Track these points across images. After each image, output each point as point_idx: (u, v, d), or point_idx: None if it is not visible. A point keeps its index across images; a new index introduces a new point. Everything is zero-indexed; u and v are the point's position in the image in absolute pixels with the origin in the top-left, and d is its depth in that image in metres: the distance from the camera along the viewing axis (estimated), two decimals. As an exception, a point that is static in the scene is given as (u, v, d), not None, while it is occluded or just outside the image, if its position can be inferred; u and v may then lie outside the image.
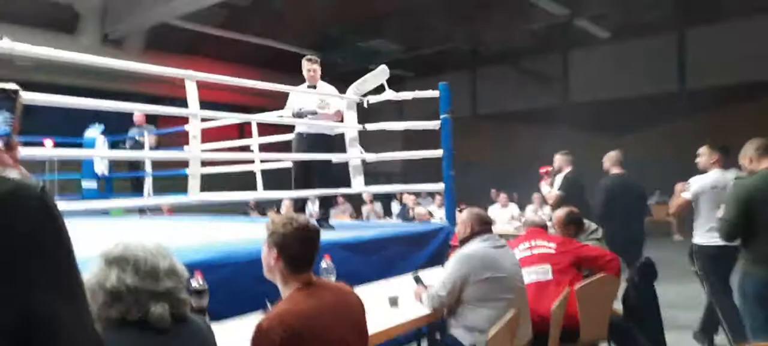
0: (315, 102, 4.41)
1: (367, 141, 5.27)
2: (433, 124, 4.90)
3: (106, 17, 13.25)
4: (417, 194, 9.66)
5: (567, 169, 5.48)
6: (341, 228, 4.50)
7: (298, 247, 1.77)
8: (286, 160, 5.40)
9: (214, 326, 1.64)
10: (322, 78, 4.56)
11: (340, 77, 9.07)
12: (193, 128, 3.71)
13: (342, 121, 4.77)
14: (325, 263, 2.54)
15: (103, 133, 6.84)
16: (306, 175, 4.39)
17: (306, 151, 4.38)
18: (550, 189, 5.50)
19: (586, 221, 3.72)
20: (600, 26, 12.45)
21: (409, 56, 14.95)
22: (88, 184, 6.81)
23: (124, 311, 1.26)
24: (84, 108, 3.33)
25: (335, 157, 4.65)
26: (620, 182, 4.91)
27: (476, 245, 2.68)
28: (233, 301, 2.42)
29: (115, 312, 1.26)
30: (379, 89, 5.17)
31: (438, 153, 4.83)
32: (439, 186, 4.90)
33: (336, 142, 4.63)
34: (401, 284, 3.15)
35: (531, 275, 2.98)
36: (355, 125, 5.09)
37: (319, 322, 1.67)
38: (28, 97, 3.25)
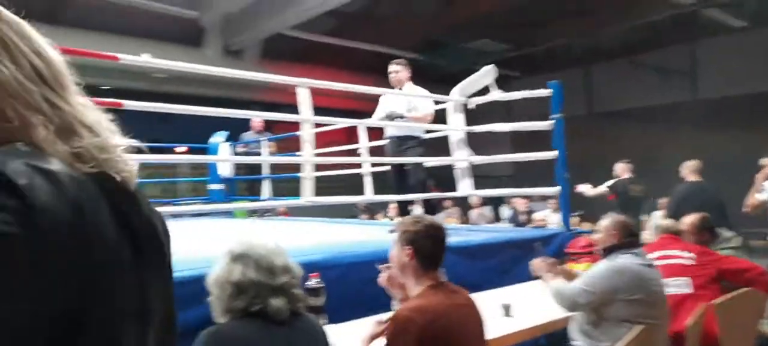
0: (403, 105, 4.45)
1: (474, 143, 5.16)
2: (545, 125, 4.68)
3: (227, 30, 14.30)
4: (529, 198, 9.31)
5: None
6: (450, 232, 4.45)
7: (430, 245, 1.81)
8: (391, 164, 5.47)
9: (326, 328, 1.68)
10: (426, 81, 4.58)
11: (445, 79, 9.02)
12: (306, 133, 3.85)
13: (432, 122, 4.68)
14: (437, 266, 2.51)
15: (227, 139, 7.36)
16: (399, 179, 4.46)
17: (394, 155, 4.42)
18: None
19: (721, 230, 3.35)
20: (733, 15, 11.21)
21: (517, 55, 14.51)
22: (214, 186, 7.37)
23: (247, 302, 1.41)
24: (210, 116, 3.59)
25: (441, 161, 4.61)
26: (695, 190, 4.65)
27: (627, 260, 2.44)
28: (343, 302, 2.47)
29: (241, 303, 1.41)
30: (485, 90, 5.04)
31: (551, 155, 4.60)
32: (553, 189, 4.67)
33: (431, 145, 4.58)
34: (514, 292, 3.02)
35: (667, 288, 2.72)
36: (461, 127, 5.01)
37: (449, 320, 1.69)
38: (164, 107, 3.58)
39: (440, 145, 5.21)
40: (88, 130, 0.63)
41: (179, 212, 5.25)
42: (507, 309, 2.57)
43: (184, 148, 8.60)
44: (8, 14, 0.64)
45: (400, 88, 4.53)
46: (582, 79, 15.32)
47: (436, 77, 14.16)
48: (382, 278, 2.00)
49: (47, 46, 0.67)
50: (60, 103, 0.62)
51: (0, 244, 0.48)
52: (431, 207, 4.47)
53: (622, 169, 6.40)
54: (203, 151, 7.41)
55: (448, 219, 9.55)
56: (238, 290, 1.42)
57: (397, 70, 4.52)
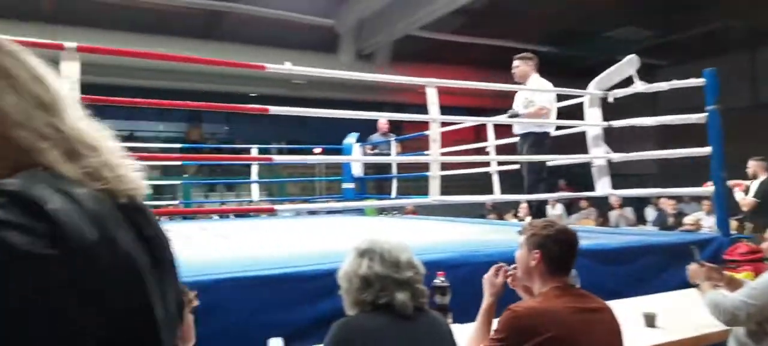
0: (521, 101, 4.29)
1: (614, 140, 4.82)
2: (697, 118, 4.22)
3: (360, 35, 14.89)
4: (678, 199, 8.47)
5: (763, 176, 5.25)
6: (585, 234, 4.20)
7: (559, 250, 1.77)
8: (519, 163, 5.31)
9: (452, 327, 1.70)
10: (562, 75, 4.36)
11: (582, 72, 8.52)
12: (434, 132, 3.89)
13: (546, 117, 4.41)
14: (568, 271, 2.39)
15: (358, 140, 7.68)
16: (522, 177, 4.32)
17: (518, 153, 4.31)
18: (745, 195, 5.42)
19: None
20: None
21: (663, 42, 13.24)
22: (347, 185, 7.74)
23: (374, 295, 1.48)
24: (343, 118, 3.78)
25: (575, 159, 4.38)
26: None
27: None
28: (469, 302, 2.45)
29: (368, 296, 1.48)
30: (626, 82, 4.68)
31: (704, 151, 4.13)
32: (707, 189, 4.19)
33: (565, 142, 4.32)
34: (659, 301, 2.78)
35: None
36: (599, 122, 4.70)
37: (571, 325, 1.62)
38: (303, 111, 3.84)
39: (576, 142, 4.94)
40: (92, 150, 0.66)
41: (316, 208, 5.58)
42: (651, 319, 2.37)
43: (319, 149, 9.13)
44: (8, 44, 0.68)
45: (525, 83, 4.39)
46: (747, 66, 13.52)
47: (572, 71, 13.44)
48: (508, 280, 1.96)
49: (45, 70, 0.70)
50: (62, 127, 0.65)
51: (37, 265, 0.50)
52: (539, 210, 4.24)
53: (758, 168, 5.67)
54: (338, 151, 7.81)
55: (582, 221, 9.03)
56: (366, 283, 1.50)
57: (517, 64, 4.39)
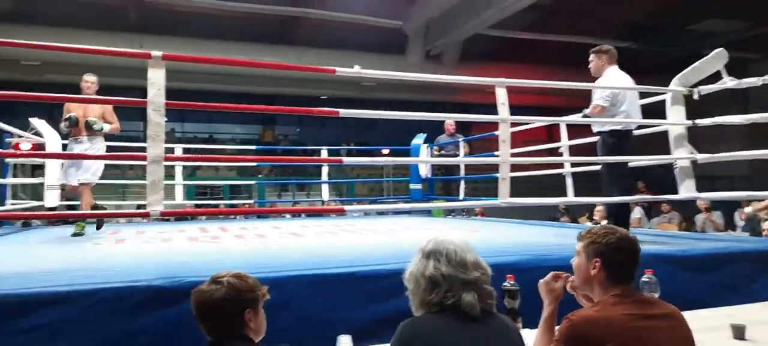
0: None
1: (700, 139, 4.53)
2: (795, 115, 3.88)
3: (428, 36, 14.88)
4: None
5: None
6: (666, 239, 3.98)
7: (619, 257, 1.70)
8: (596, 164, 5.10)
9: (521, 332, 1.67)
10: (642, 71, 4.14)
11: (664, 68, 8.06)
12: (503, 133, 3.82)
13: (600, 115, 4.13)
14: (647, 277, 2.28)
15: (425, 141, 7.67)
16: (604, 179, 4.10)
17: (596, 153, 4.11)
18: None
19: None
20: None
21: (753, 34, 12.28)
22: (415, 186, 7.75)
23: (441, 296, 1.48)
24: (410, 119, 3.79)
25: (655, 159, 4.15)
26: None
27: None
28: (540, 306, 2.39)
29: (435, 297, 1.48)
30: (713, 78, 4.38)
31: (803, 151, 3.80)
32: (806, 193, 3.85)
33: (644, 142, 4.07)
34: (752, 312, 2.58)
35: None
36: (682, 121, 4.43)
37: (632, 333, 1.56)
38: (371, 113, 3.90)
39: (657, 142, 4.68)
40: None
41: (383, 209, 5.64)
42: (739, 331, 2.22)
43: (387, 151, 9.22)
44: None
45: (599, 78, 4.18)
46: None
47: (652, 67, 12.76)
48: (567, 286, 1.90)
49: None
50: None
51: None
52: (620, 214, 4.00)
53: None
54: (406, 153, 7.84)
55: (664, 225, 8.55)
56: (432, 284, 1.50)
57: (591, 59, 4.21)
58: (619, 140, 4.00)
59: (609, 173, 4.06)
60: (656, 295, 2.18)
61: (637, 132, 4.39)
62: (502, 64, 15.75)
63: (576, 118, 5.18)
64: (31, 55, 12.91)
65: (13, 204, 6.05)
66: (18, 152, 5.97)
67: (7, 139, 6.17)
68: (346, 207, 4.99)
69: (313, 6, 13.52)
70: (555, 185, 5.51)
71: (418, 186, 7.75)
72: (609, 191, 4.03)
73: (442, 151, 7.74)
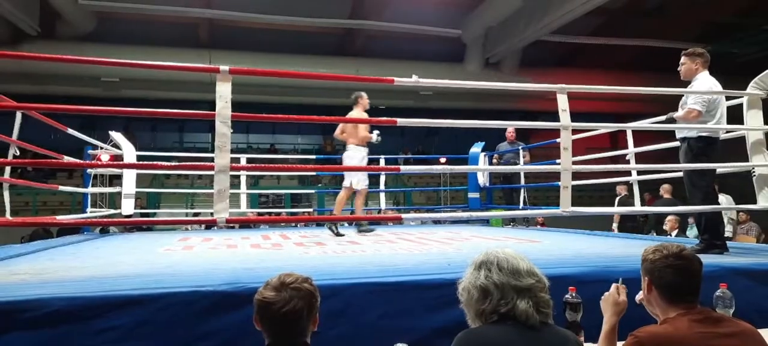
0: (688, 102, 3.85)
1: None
2: None
3: (487, 43, 14.72)
4: None
5: None
6: (742, 251, 3.73)
7: (672, 276, 1.64)
8: (668, 172, 4.86)
9: None
10: (714, 73, 3.90)
11: (741, 70, 7.58)
12: (565, 140, 3.72)
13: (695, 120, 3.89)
14: (721, 291, 2.15)
15: (484, 149, 7.58)
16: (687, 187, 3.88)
17: (679, 160, 3.88)
18: None
19: None
20: None
21: None
22: (473, 195, 7.66)
23: (494, 305, 1.46)
24: (468, 127, 3.76)
25: (734, 166, 3.90)
26: None
27: None
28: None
29: (488, 306, 1.47)
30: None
31: None
32: None
33: (704, 147, 3.80)
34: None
35: None
36: (760, 126, 4.15)
37: None
38: (429, 122, 3.91)
39: (734, 148, 4.41)
40: None
41: (441, 218, 5.61)
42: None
43: (444, 159, 9.19)
44: None
45: (691, 82, 3.97)
46: None
47: (727, 68, 12.06)
48: (637, 298, 1.83)
49: None
50: None
51: None
52: (714, 225, 3.76)
53: None
54: (464, 161, 7.78)
55: (741, 236, 8.01)
56: (484, 293, 1.48)
57: (683, 61, 3.98)
58: (708, 147, 3.78)
59: (695, 182, 3.84)
60: (731, 310, 2.06)
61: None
62: (565, 70, 15.36)
63: (643, 124, 4.97)
64: (111, 72, 13.82)
65: (92, 212, 6.48)
66: (99, 163, 6.40)
67: (89, 151, 6.62)
68: (404, 216, 5.01)
69: (371, 18, 13.71)
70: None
71: (476, 195, 7.66)
72: (695, 200, 3.82)
73: (501, 160, 7.61)
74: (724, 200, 7.42)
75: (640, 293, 1.80)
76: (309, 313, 1.57)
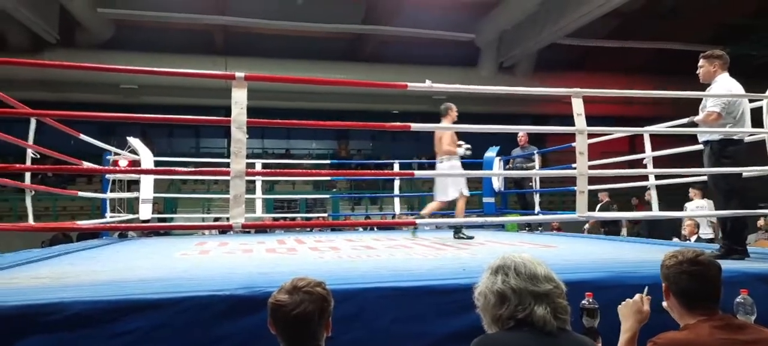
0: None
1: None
2: None
3: (501, 47, 14.66)
4: None
5: None
6: (762, 256, 3.66)
7: (688, 282, 1.63)
8: (687, 176, 4.81)
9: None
10: (732, 75, 3.84)
11: (754, 72, 7.46)
12: (580, 144, 3.70)
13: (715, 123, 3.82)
14: (741, 297, 2.11)
15: (498, 154, 7.55)
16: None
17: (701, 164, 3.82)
18: None
19: None
20: None
21: None
22: (487, 200, 7.63)
23: (511, 310, 1.44)
24: (482, 132, 3.76)
25: (752, 171, 3.83)
26: None
27: None
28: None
29: (505, 312, 1.45)
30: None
31: None
32: None
33: (726, 151, 3.73)
34: None
35: None
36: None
37: None
38: (442, 127, 3.90)
39: (754, 151, 4.34)
40: None
41: (455, 223, 5.60)
42: None
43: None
44: None
45: (709, 84, 3.91)
46: None
47: (746, 71, 11.88)
48: (664, 304, 1.80)
49: None
50: None
51: None
52: (733, 232, 3.69)
53: None
54: (478, 165, 7.75)
55: (762, 241, 7.87)
56: (501, 298, 1.46)
57: (701, 64, 3.93)
58: (731, 149, 3.72)
59: (718, 185, 3.78)
60: (752, 317, 2.02)
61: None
62: (579, 73, 15.24)
63: (657, 128, 4.92)
64: (129, 79, 14.02)
65: (111, 216, 6.57)
66: (118, 168, 6.49)
67: (108, 157, 6.72)
68: (418, 220, 5.00)
69: (384, 23, 13.75)
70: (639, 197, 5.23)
71: (491, 200, 7.62)
72: (718, 204, 3.76)
73: (513, 164, 7.57)
74: (706, 203, 7.47)
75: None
76: (321, 316, 1.57)
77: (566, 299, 1.49)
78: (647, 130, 5.01)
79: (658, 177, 5.48)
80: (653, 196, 5.38)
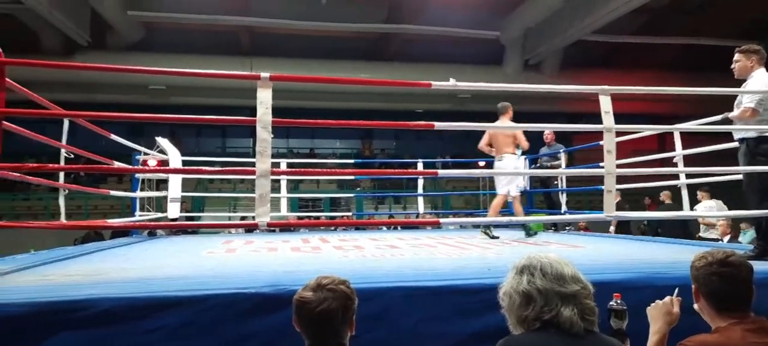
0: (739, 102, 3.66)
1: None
2: None
3: (526, 45, 14.50)
4: None
5: None
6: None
7: (718, 284, 1.59)
8: (720, 174, 4.68)
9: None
10: (768, 70, 3.72)
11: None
12: (608, 143, 3.63)
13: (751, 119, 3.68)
14: (777, 301, 2.04)
15: (524, 153, 7.45)
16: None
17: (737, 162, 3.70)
18: None
19: None
20: None
21: None
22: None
23: (537, 311, 1.41)
24: (507, 130, 3.71)
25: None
26: None
27: None
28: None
29: (531, 313, 1.42)
30: None
31: None
32: None
33: (761, 148, 3.60)
34: None
35: None
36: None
37: None
38: (466, 125, 3.87)
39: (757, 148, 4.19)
40: None
41: (480, 222, 5.55)
42: None
43: (483, 163, 9.09)
44: None
45: (746, 80, 3.79)
46: None
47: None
48: (696, 305, 1.75)
49: None
50: None
51: None
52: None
53: None
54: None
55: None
56: (527, 299, 1.44)
57: (737, 59, 3.81)
58: (766, 147, 3.60)
59: (753, 184, 3.66)
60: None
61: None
62: (607, 70, 14.98)
63: (689, 125, 4.79)
64: (157, 80, 14.31)
65: (141, 215, 6.71)
66: (147, 168, 6.63)
67: (137, 157, 6.86)
68: (442, 220, 4.98)
69: (408, 22, 13.72)
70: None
71: (516, 199, 7.53)
72: (751, 203, 3.65)
73: (540, 163, 7.47)
74: (715, 204, 7.35)
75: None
76: (344, 314, 1.58)
77: (594, 301, 1.46)
78: (678, 128, 4.90)
79: (689, 176, 5.34)
80: (684, 195, 5.25)
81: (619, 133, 4.11)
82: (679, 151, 5.09)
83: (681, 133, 5.05)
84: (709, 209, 7.45)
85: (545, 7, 12.38)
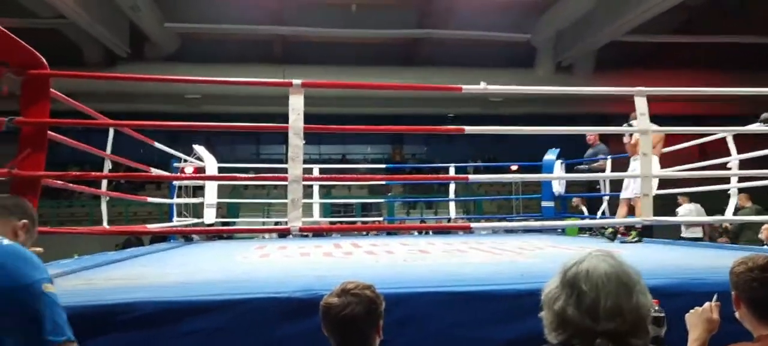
0: None
1: None
2: None
3: (558, 46, 14.28)
4: None
5: None
6: None
7: (759, 290, 1.53)
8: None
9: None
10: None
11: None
12: (644, 146, 3.55)
13: None
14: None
15: (559, 156, 7.32)
16: None
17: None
18: None
19: None
20: None
21: None
22: (547, 204, 7.42)
23: (567, 338, 1.23)
24: (537, 133, 3.67)
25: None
26: None
27: None
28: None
29: (563, 336, 1.25)
30: None
31: None
32: None
33: None
34: None
35: None
36: None
37: None
38: (496, 129, 3.85)
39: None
40: None
41: (513, 227, 5.49)
42: None
43: (516, 167, 9.01)
44: None
45: None
46: None
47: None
48: (737, 313, 1.69)
49: None
50: None
51: None
52: None
53: None
54: (537, 168, 7.56)
55: None
56: (558, 321, 1.24)
57: None
58: None
59: None
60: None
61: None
62: (642, 71, 14.61)
63: (733, 128, 4.63)
64: (193, 89, 14.67)
65: (178, 221, 6.89)
66: (184, 176, 6.80)
67: (175, 164, 7.05)
68: (474, 225, 4.94)
69: (438, 26, 13.70)
70: (709, 201, 4.95)
71: (551, 204, 7.41)
72: None
73: (581, 167, 7.29)
74: (693, 208, 7.28)
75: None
76: (369, 319, 1.58)
77: (641, 335, 1.21)
78: (714, 131, 4.75)
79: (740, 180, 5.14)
80: (732, 202, 5.06)
81: (686, 137, 3.99)
82: (734, 156, 4.87)
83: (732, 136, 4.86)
84: (689, 212, 7.72)
85: (577, 8, 12.18)
